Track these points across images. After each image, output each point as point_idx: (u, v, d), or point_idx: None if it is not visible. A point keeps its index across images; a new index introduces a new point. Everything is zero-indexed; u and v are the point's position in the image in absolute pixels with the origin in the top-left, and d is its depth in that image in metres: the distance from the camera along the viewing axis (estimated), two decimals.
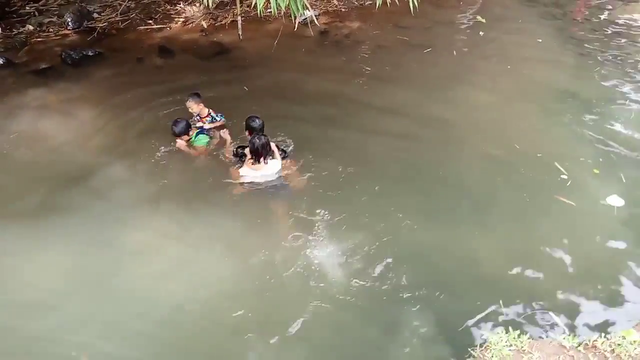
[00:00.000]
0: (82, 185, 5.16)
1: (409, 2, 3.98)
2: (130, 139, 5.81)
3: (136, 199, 4.97)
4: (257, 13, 4.67)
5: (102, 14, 8.64)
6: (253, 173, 4.88)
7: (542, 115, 6.16)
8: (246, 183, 4.97)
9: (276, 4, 4.29)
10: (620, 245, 4.05)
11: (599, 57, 7.42)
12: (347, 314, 3.69)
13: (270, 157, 4.82)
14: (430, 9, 9.41)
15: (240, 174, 4.96)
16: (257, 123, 5.00)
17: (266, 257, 4.24)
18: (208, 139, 5.47)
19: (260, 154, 4.71)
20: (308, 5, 4.48)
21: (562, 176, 4.92)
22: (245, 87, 6.76)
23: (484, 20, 8.99)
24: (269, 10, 4.43)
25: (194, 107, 5.56)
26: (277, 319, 3.69)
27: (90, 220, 4.74)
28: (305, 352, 3.40)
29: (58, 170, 5.39)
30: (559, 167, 5.04)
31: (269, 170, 4.86)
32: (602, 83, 6.69)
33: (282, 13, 4.57)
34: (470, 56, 7.78)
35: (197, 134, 5.42)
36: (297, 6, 4.30)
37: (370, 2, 3.95)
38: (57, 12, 8.59)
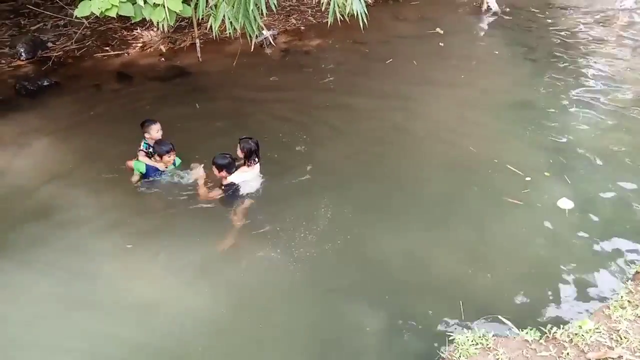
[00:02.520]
0: (42, 219, 5.00)
1: (361, 19, 4.08)
2: (89, 167, 5.70)
3: (100, 230, 4.87)
4: (215, 35, 4.72)
5: (56, 42, 8.51)
6: (248, 175, 5.01)
7: (497, 122, 6.43)
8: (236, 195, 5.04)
9: (231, 26, 4.35)
10: (570, 243, 4.25)
11: (550, 67, 7.80)
12: (307, 323, 3.73)
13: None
14: (389, 24, 9.74)
15: (235, 181, 5.00)
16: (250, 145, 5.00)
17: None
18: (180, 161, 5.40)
19: (256, 152, 4.99)
20: (263, 25, 4.56)
21: (517, 180, 5.13)
22: (197, 105, 6.82)
23: (442, 32, 9.34)
24: (226, 32, 4.47)
25: (158, 131, 5.38)
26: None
27: (54, 253, 4.60)
28: None
29: (15, 204, 5.23)
30: (513, 170, 5.26)
31: (258, 168, 5.09)
32: (553, 91, 7.02)
33: (239, 34, 4.64)
34: (430, 66, 8.06)
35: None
36: (252, 27, 4.37)
37: (338, 20, 4.09)
38: (8, 42, 8.40)
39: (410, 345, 3.23)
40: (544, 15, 10.08)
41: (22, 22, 9.05)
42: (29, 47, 8.11)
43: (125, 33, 8.87)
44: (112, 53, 8.35)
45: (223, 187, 5.04)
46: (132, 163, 5.29)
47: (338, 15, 4.13)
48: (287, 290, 4.04)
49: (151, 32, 8.76)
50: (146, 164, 5.23)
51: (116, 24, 8.90)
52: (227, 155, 4.97)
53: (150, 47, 8.53)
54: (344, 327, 3.60)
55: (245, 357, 3.58)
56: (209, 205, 5.04)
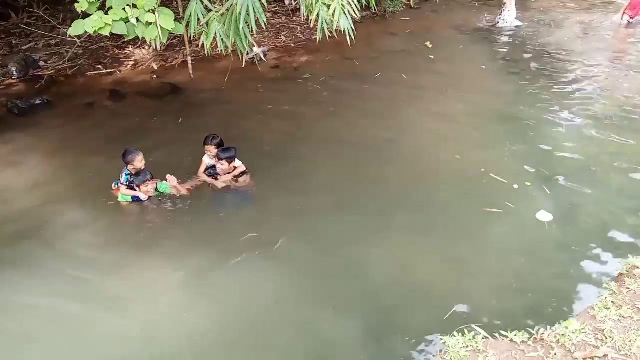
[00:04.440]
0: (35, 237, 5.01)
1: (348, 35, 4.22)
2: (81, 185, 5.73)
3: (94, 247, 4.89)
4: (205, 53, 4.84)
5: (48, 61, 8.61)
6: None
7: (483, 134, 6.58)
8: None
9: (223, 43, 4.47)
10: (550, 252, 4.36)
11: (535, 80, 8.00)
12: (293, 331, 3.80)
13: None
14: (380, 39, 9.98)
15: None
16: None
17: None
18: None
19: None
20: (254, 42, 4.69)
21: (500, 189, 5.25)
22: (180, 119, 7.00)
23: (431, 46, 9.57)
24: (218, 49, 4.59)
25: (142, 161, 5.32)
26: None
27: (47, 272, 4.60)
28: None
29: (7, 223, 5.24)
30: (497, 178, 5.39)
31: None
32: (538, 104, 7.19)
33: (231, 51, 4.76)
34: (419, 79, 8.26)
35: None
36: (242, 44, 4.49)
37: (327, 36, 4.24)
38: (0, 62, 8.48)
39: (400, 350, 3.30)
40: (532, 31, 10.38)
41: (14, 42, 9.17)
42: (21, 66, 8.20)
43: (117, 51, 8.99)
44: (104, 71, 8.45)
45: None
46: (117, 193, 5.34)
47: (326, 32, 4.25)
48: (272, 299, 4.12)
49: (143, 50, 8.89)
50: (132, 196, 5.28)
51: (108, 43, 9.02)
52: (231, 148, 5.41)
53: (143, 65, 8.65)
54: (332, 335, 3.66)
55: None
56: (201, 216, 5.12)
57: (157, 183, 5.30)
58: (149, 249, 4.83)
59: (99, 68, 8.51)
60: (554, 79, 8.02)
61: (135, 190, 5.25)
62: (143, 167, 5.26)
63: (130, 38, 4.32)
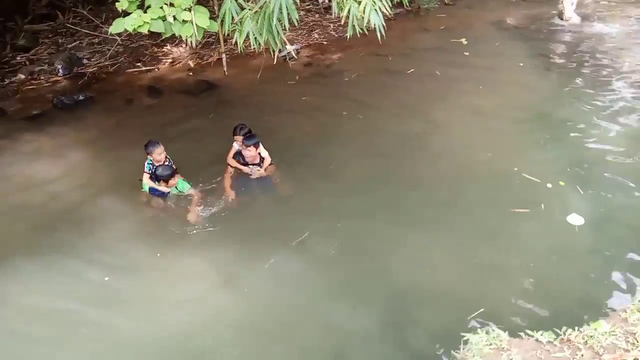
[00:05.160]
0: (75, 226, 5.28)
1: (379, 32, 4.23)
2: (120, 177, 5.96)
3: (129, 237, 5.11)
4: (240, 50, 4.96)
5: (91, 59, 8.96)
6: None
7: (517, 132, 6.45)
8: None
9: (255, 41, 4.57)
10: (581, 256, 4.26)
11: (575, 78, 7.73)
12: (320, 325, 3.84)
13: None
14: (413, 35, 9.87)
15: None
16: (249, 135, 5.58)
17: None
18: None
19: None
20: (285, 40, 4.76)
21: (532, 189, 5.14)
22: (210, 115, 7.14)
23: (466, 42, 9.40)
24: (252, 47, 4.68)
25: (161, 154, 5.40)
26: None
27: (84, 259, 4.86)
28: None
29: (52, 211, 5.53)
30: (530, 178, 5.27)
31: None
32: (577, 102, 6.96)
33: (264, 49, 4.85)
34: (452, 76, 8.12)
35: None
36: (275, 42, 4.58)
37: (357, 33, 4.28)
38: (47, 60, 8.90)
39: (424, 346, 3.31)
40: (570, 26, 10.04)
41: (60, 41, 9.58)
42: (66, 63, 8.57)
43: (155, 49, 9.27)
44: (143, 68, 8.73)
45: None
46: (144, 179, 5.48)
47: (357, 29, 4.28)
48: (298, 294, 4.21)
49: (180, 48, 9.14)
50: (150, 187, 5.41)
51: (147, 41, 9.31)
52: (255, 135, 5.53)
53: (179, 63, 8.88)
54: (352, 332, 3.70)
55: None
56: (232, 212, 5.24)
57: (177, 179, 5.33)
58: (180, 242, 5.00)
59: (138, 65, 8.80)
60: (597, 77, 7.72)
61: (156, 184, 5.35)
62: (162, 160, 5.33)
63: (168, 36, 4.48)
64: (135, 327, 4.09)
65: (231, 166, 5.72)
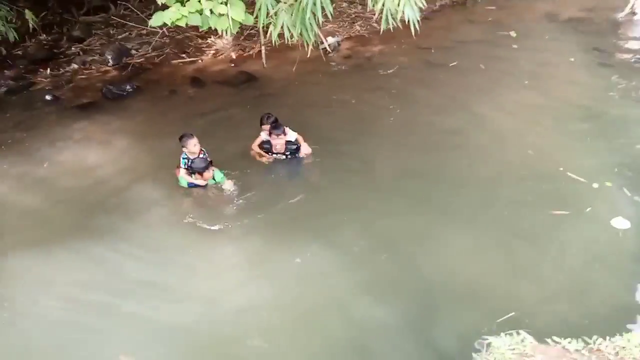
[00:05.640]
0: (119, 211, 5.53)
1: (413, 26, 4.15)
2: (164, 165, 6.15)
3: (168, 224, 5.30)
4: (283, 42, 5.00)
5: (139, 50, 9.29)
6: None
7: (564, 130, 6.18)
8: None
9: (289, 33, 4.59)
10: (620, 261, 4.04)
11: (628, 74, 7.31)
12: (344, 318, 3.86)
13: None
14: (459, 27, 9.62)
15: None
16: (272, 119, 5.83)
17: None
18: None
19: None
20: (319, 33, 4.75)
21: (575, 189, 4.93)
22: (248, 106, 7.22)
23: (515, 35, 9.06)
24: (293, 39, 4.70)
25: (195, 145, 5.45)
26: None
27: (126, 242, 5.08)
28: None
29: (98, 196, 5.81)
30: (575, 177, 5.04)
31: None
32: (629, 100, 6.60)
33: (305, 42, 4.85)
34: (498, 70, 7.88)
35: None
36: (308, 35, 4.58)
37: (390, 27, 4.22)
38: (99, 50, 9.30)
39: (447, 345, 3.26)
40: (624, 19, 9.46)
41: (111, 32, 9.98)
42: (115, 54, 8.93)
43: (200, 41, 9.48)
44: (187, 60, 8.96)
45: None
46: (178, 174, 5.58)
47: (391, 22, 4.21)
48: (324, 284, 4.26)
49: (223, 40, 9.29)
50: (188, 182, 5.51)
51: (192, 33, 9.53)
52: (280, 124, 5.72)
53: (222, 54, 9.05)
54: (377, 326, 3.69)
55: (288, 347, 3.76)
56: (265, 205, 5.33)
57: (213, 171, 5.44)
58: (213, 233, 5.14)
59: (183, 57, 9.03)
60: None
61: (192, 177, 5.46)
62: (197, 152, 5.42)
63: (204, 29, 4.57)
64: (168, 316, 4.25)
65: (255, 152, 5.94)
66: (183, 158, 5.52)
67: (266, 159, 5.90)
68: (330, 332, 3.83)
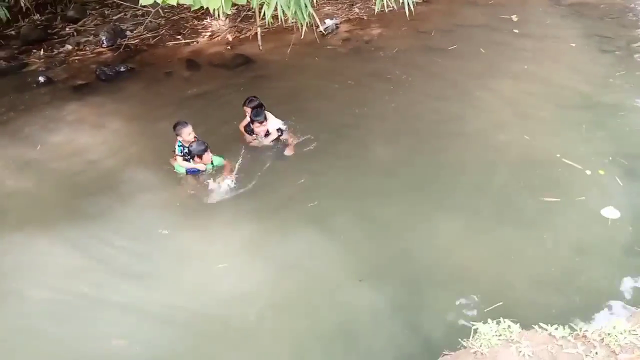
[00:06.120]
0: (110, 193, 5.52)
1: (407, 8, 4.07)
2: (158, 148, 6.11)
3: (160, 207, 5.28)
4: (279, 24, 4.91)
5: (134, 31, 9.16)
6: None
7: (560, 117, 6.12)
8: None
9: (283, 13, 4.51)
10: (608, 250, 4.03)
11: (629, 61, 7.20)
12: (331, 301, 3.89)
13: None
14: (460, 11, 9.44)
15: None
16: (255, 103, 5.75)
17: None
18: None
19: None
20: (314, 13, 4.67)
21: (567, 177, 4.91)
22: (241, 89, 7.12)
23: (516, 19, 8.93)
24: (290, 21, 4.62)
25: (190, 134, 5.37)
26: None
27: (119, 224, 5.09)
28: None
29: (91, 178, 5.79)
30: (566, 163, 5.03)
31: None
32: (629, 88, 6.49)
33: (302, 24, 4.76)
34: (498, 55, 7.76)
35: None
36: (302, 15, 4.49)
37: (391, 9, 4.13)
38: (93, 31, 9.18)
39: (432, 333, 3.28)
40: (629, 4, 9.30)
41: (106, 12, 9.85)
42: (110, 35, 8.81)
43: (195, 22, 9.36)
44: (183, 41, 8.85)
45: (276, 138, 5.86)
46: (174, 162, 5.53)
47: (386, 3, 4.12)
48: (317, 269, 4.27)
49: (220, 21, 9.17)
50: (186, 168, 5.45)
51: (188, 14, 9.40)
52: (261, 112, 5.65)
53: (218, 36, 8.93)
54: (364, 311, 3.69)
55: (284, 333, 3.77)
56: (260, 188, 5.30)
57: (211, 156, 5.40)
58: (208, 213, 5.12)
59: (179, 38, 8.92)
60: None
61: (190, 162, 5.41)
62: (192, 139, 5.35)
63: (196, 8, 4.48)
64: (159, 301, 4.25)
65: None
66: (178, 146, 5.47)
67: (249, 140, 5.88)
68: (317, 315, 3.84)
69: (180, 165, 5.48)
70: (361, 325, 3.60)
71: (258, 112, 5.59)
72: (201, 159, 5.34)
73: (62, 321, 4.10)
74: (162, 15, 9.41)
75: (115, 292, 4.32)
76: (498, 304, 3.42)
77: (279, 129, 5.82)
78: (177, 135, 5.40)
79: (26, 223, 5.08)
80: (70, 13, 9.69)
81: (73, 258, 4.70)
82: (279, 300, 4.02)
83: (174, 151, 5.54)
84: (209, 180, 5.47)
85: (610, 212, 4.32)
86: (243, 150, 5.80)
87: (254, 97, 5.79)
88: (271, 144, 5.84)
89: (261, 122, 5.60)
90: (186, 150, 5.39)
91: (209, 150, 5.34)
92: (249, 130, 5.83)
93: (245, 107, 5.81)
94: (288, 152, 5.74)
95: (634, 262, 3.83)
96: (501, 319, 2.86)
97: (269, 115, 5.76)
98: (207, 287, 4.32)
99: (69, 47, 8.78)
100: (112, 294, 4.31)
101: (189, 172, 5.50)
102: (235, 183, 5.39)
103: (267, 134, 5.79)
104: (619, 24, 8.56)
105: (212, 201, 5.23)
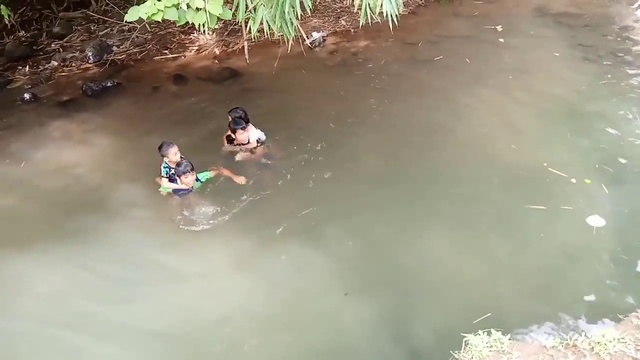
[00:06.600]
0: (98, 211, 5.43)
1: (391, 21, 4.10)
2: (145, 164, 6.03)
3: (150, 224, 5.22)
4: (266, 38, 4.93)
5: (120, 46, 9.14)
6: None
7: (545, 126, 6.17)
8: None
9: (269, 28, 4.52)
10: (594, 259, 4.05)
11: (612, 70, 7.28)
12: (319, 314, 3.86)
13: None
14: (445, 22, 9.54)
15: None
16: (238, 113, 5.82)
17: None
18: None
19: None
20: (299, 27, 4.69)
21: (553, 186, 4.93)
22: (231, 103, 6.94)
23: (500, 30, 9.04)
24: (277, 35, 4.64)
25: (176, 154, 5.31)
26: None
27: (108, 243, 5.02)
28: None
29: (76, 195, 5.72)
30: (553, 172, 5.06)
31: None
32: (613, 97, 6.56)
33: (289, 37, 4.77)
34: (483, 65, 7.83)
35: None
36: (288, 29, 4.51)
37: (376, 22, 4.17)
38: (79, 47, 9.14)
39: (422, 346, 3.25)
40: (612, 14, 9.47)
41: (92, 28, 9.82)
42: (96, 50, 8.77)
43: (183, 36, 9.35)
44: (170, 56, 8.83)
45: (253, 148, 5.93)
46: (160, 182, 5.45)
47: (369, 15, 4.16)
48: (305, 281, 4.27)
49: (207, 35, 9.18)
50: (172, 189, 5.38)
51: (175, 28, 9.40)
52: (240, 120, 5.76)
53: (205, 51, 8.94)
54: (354, 323, 3.66)
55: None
56: (248, 202, 5.27)
57: (196, 174, 5.27)
58: (197, 229, 5.08)
59: (166, 53, 8.91)
60: (637, 71, 7.27)
61: (176, 183, 5.33)
62: (178, 159, 5.27)
63: (181, 23, 4.48)
64: (149, 320, 4.18)
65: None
66: (164, 167, 5.40)
67: (228, 150, 5.93)
68: (305, 328, 3.80)
69: (166, 186, 5.41)
70: (351, 339, 3.56)
71: (237, 121, 5.70)
72: (187, 179, 5.24)
73: (46, 343, 4.01)
74: (149, 30, 9.40)
75: (102, 312, 4.24)
76: (487, 315, 3.40)
77: (258, 139, 5.89)
78: (163, 156, 5.32)
79: (10, 241, 4.99)
80: (56, 29, 9.64)
81: (58, 278, 4.62)
82: (266, 318, 3.98)
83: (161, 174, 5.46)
84: (195, 199, 5.42)
85: (596, 221, 4.35)
86: (230, 166, 5.77)
87: (238, 107, 5.86)
88: (255, 156, 5.86)
89: (244, 129, 5.70)
90: (172, 172, 5.30)
91: (193, 171, 5.21)
92: (231, 139, 5.89)
93: (228, 115, 5.88)
94: (240, 181, 5.53)
95: (621, 270, 3.84)
96: (492, 330, 2.84)
97: (250, 126, 5.82)
98: (194, 309, 4.24)
99: (55, 63, 8.73)
100: (98, 314, 4.23)
101: (176, 192, 5.42)
102: (218, 195, 5.35)
103: (248, 142, 5.84)
104: (602, 34, 8.70)
105: (199, 220, 5.16)
